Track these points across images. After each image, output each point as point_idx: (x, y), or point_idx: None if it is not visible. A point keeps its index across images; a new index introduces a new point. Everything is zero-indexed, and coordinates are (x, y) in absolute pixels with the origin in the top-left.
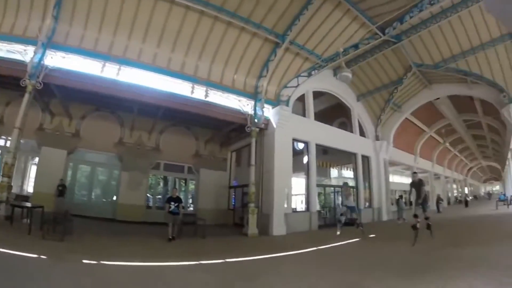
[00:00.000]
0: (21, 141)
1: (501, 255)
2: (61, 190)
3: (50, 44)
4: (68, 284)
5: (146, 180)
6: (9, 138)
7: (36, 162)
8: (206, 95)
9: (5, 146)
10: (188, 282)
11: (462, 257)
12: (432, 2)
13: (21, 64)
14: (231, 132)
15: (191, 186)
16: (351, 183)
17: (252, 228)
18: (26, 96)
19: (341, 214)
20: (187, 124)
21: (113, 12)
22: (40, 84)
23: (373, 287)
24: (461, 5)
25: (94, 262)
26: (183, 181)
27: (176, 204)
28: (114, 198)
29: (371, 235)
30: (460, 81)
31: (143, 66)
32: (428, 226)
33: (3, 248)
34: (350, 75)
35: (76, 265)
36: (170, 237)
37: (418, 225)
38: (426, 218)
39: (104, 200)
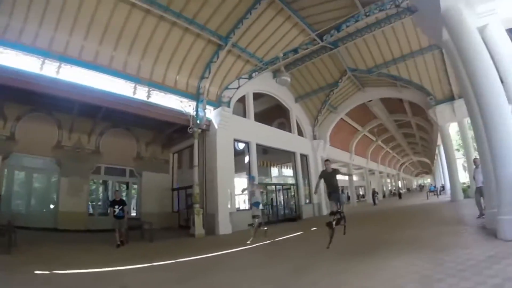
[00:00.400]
0: None
1: (431, 236)
2: None
3: None
4: None
5: (87, 185)
6: None
7: None
8: (149, 96)
9: None
10: (147, 281)
11: (396, 240)
12: (367, 13)
13: None
14: (172, 134)
15: (133, 190)
16: (291, 181)
17: (198, 228)
18: None
19: (253, 216)
20: (128, 125)
21: (56, 6)
22: None
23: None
24: (394, 17)
25: (47, 272)
26: (124, 185)
27: (120, 207)
28: (53, 206)
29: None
30: (391, 85)
31: (84, 64)
32: (338, 222)
33: None
34: (288, 79)
35: (30, 276)
36: (118, 243)
37: (334, 223)
38: (337, 213)
39: (44, 209)
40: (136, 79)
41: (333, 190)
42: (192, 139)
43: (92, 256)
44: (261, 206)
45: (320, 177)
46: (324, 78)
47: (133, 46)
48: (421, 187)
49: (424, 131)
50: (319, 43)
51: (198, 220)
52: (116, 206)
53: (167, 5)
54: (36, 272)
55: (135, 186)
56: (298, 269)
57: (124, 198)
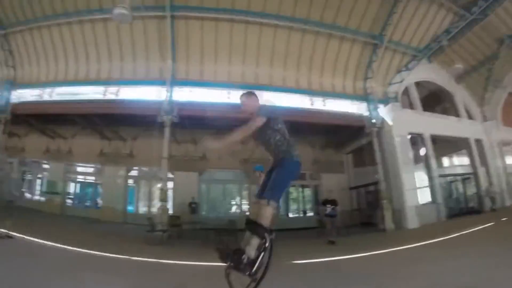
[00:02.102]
0: (144, 168)
1: None
2: (194, 207)
3: (176, 82)
4: None
5: None
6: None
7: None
8: (324, 104)
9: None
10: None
11: None
12: None
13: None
14: (343, 136)
15: (307, 192)
16: (465, 170)
17: (388, 223)
18: (167, 130)
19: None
20: (303, 133)
21: (224, 44)
22: (177, 117)
23: None
24: None
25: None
26: (300, 188)
27: (332, 207)
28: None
29: None
30: None
31: (262, 87)
32: None
33: None
34: (461, 66)
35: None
36: (333, 240)
37: None
38: None
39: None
40: (309, 92)
41: None
42: (363, 139)
43: (315, 248)
44: None
45: None
46: (482, 51)
47: (300, 64)
48: None
49: None
50: (469, 18)
51: (387, 215)
52: (328, 206)
53: (320, 20)
54: (294, 262)
55: (309, 189)
56: None
57: (304, 202)
